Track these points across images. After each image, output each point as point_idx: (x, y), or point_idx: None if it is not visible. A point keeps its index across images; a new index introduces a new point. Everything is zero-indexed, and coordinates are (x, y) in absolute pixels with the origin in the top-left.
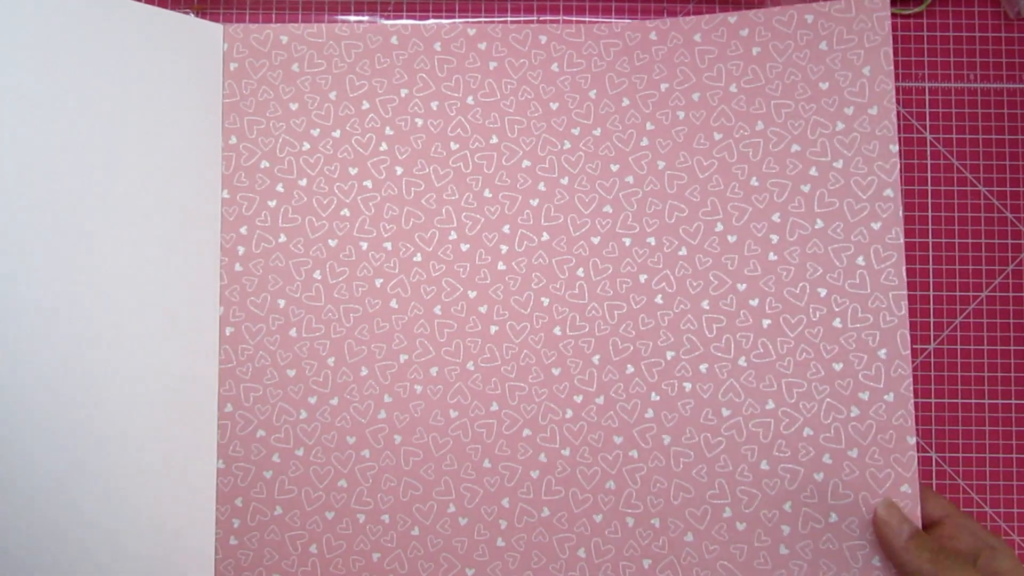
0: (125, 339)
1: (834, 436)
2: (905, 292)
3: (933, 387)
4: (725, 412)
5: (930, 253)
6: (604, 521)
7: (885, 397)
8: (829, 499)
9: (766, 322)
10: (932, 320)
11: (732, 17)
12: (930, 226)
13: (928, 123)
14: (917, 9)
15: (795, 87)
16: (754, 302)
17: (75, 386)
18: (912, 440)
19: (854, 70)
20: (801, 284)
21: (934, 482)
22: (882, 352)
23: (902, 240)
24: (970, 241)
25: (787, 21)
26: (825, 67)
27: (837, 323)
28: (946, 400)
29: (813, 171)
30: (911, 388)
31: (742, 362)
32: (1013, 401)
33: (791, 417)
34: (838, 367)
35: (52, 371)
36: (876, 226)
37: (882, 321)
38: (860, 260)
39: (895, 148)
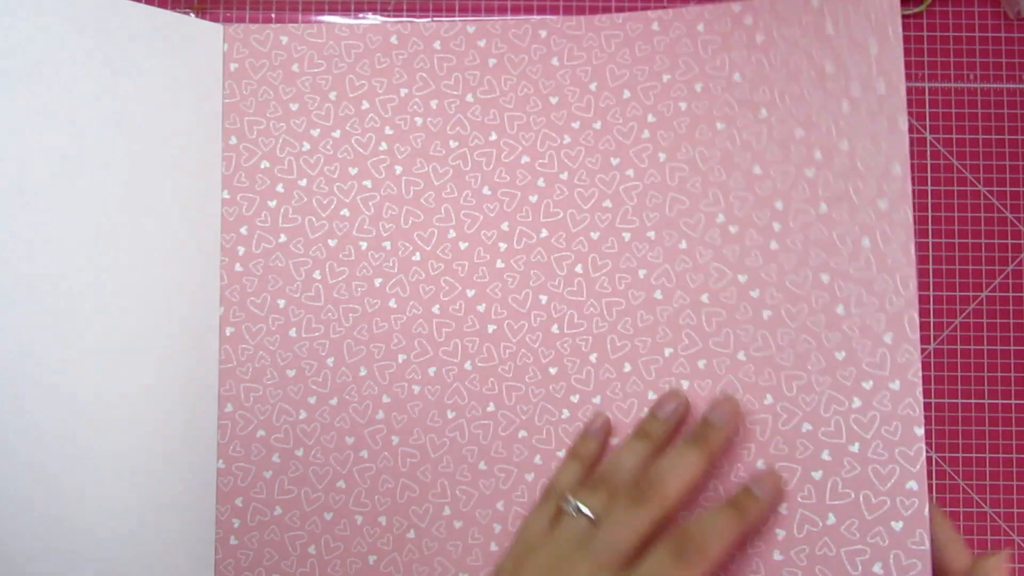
0: (125, 339)
1: (834, 430)
2: (914, 272)
3: (933, 387)
4: None
5: (930, 253)
6: None
7: (890, 385)
8: (827, 499)
9: (767, 313)
10: (932, 320)
11: (736, 6)
12: (930, 226)
13: (928, 123)
14: (917, 9)
15: (800, 72)
16: (755, 293)
17: (74, 386)
18: (920, 431)
19: (861, 49)
20: (804, 272)
21: (934, 482)
22: (887, 337)
23: (911, 219)
24: (970, 241)
25: (792, 6)
26: (831, 49)
27: (840, 310)
28: (946, 400)
29: (818, 155)
30: (919, 374)
31: (741, 356)
32: (1013, 401)
33: (789, 412)
34: (840, 356)
35: (51, 371)
36: (883, 205)
37: (888, 304)
38: (866, 242)
39: (903, 123)
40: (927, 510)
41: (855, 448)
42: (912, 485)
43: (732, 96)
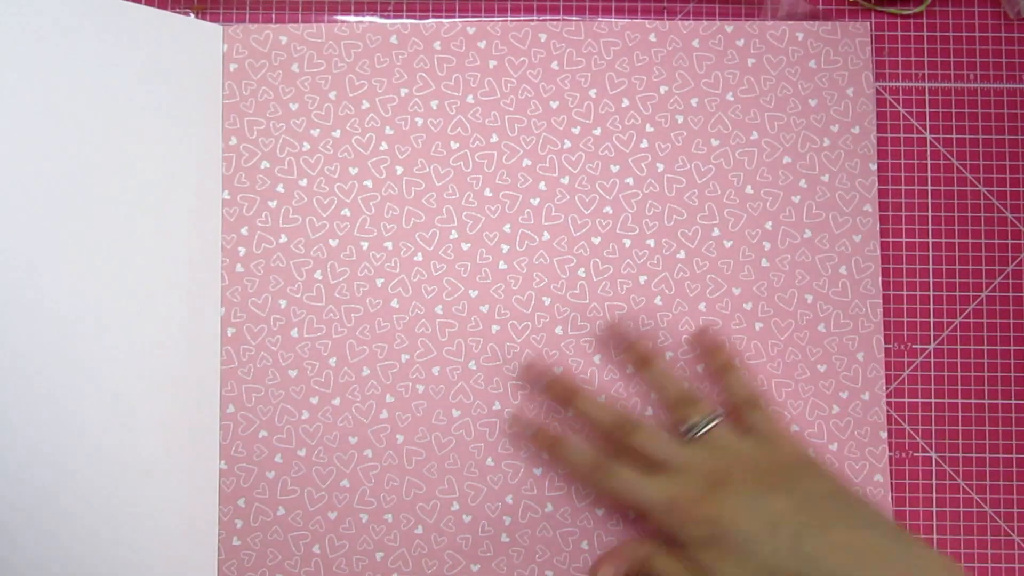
0: (127, 341)
1: (817, 432)
2: (880, 301)
3: (933, 387)
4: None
5: (930, 253)
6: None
7: (862, 396)
8: None
9: (758, 325)
10: (932, 320)
11: (729, 26)
12: (930, 226)
13: (928, 123)
14: (917, 9)
15: (787, 101)
16: (747, 306)
17: (76, 387)
18: (884, 435)
19: (839, 90)
20: (791, 291)
21: (934, 482)
22: (860, 355)
23: (879, 252)
24: (970, 241)
25: (780, 36)
26: (814, 84)
27: (822, 328)
28: (946, 400)
29: (802, 183)
30: (884, 388)
31: (736, 363)
32: (1013, 401)
33: (778, 415)
34: (822, 368)
35: (53, 373)
36: (857, 239)
37: (860, 327)
38: (843, 270)
39: (874, 167)
40: (890, 498)
41: (834, 447)
42: (879, 478)
43: (726, 115)
